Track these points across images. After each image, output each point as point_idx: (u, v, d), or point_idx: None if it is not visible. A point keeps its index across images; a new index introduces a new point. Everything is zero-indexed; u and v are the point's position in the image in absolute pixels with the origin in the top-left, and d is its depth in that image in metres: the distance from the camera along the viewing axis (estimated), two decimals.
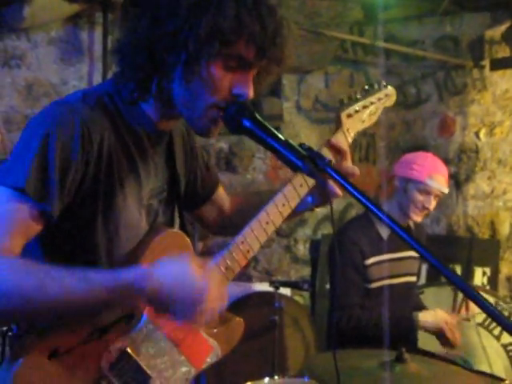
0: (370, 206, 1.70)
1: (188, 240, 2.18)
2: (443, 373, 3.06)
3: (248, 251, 2.13)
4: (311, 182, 2.20)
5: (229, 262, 2.09)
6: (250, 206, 2.34)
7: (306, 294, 5.73)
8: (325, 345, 4.51)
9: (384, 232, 3.98)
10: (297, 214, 2.33)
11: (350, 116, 2.37)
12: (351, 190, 1.74)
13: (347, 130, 2.34)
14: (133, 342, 1.99)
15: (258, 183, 5.95)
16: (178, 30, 1.83)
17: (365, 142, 6.46)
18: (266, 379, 3.63)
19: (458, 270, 5.71)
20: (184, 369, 2.13)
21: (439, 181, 3.94)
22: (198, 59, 1.84)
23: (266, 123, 1.93)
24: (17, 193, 1.78)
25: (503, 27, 5.98)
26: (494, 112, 6.24)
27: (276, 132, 1.91)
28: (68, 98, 1.98)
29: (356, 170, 2.21)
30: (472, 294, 1.55)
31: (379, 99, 2.51)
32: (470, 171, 6.27)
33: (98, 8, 5.07)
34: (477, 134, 6.27)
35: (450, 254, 5.62)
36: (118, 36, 1.96)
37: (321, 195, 2.27)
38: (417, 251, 1.64)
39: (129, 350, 1.98)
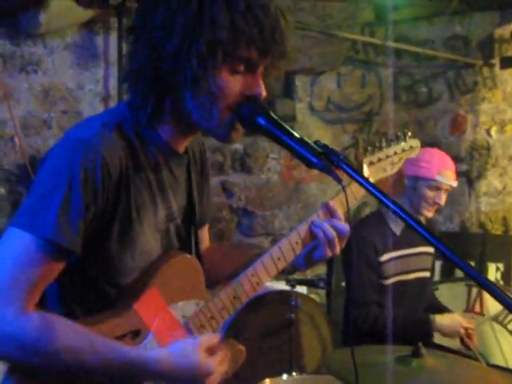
0: (384, 200, 1.73)
1: (199, 266, 2.20)
2: (460, 367, 3.07)
3: (257, 283, 2.19)
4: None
5: (237, 292, 2.15)
6: (226, 259, 2.42)
7: (322, 292, 5.73)
8: (341, 342, 4.52)
9: (397, 229, 4.02)
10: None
11: (372, 164, 2.43)
12: (367, 185, 1.76)
13: (368, 176, 2.38)
14: None
15: (273, 183, 5.96)
16: (177, 51, 1.84)
17: (377, 142, 6.47)
18: (285, 376, 3.69)
19: (472, 265, 5.70)
20: None
21: (448, 176, 3.97)
22: (203, 74, 1.85)
23: (281, 121, 1.94)
24: (44, 243, 1.79)
25: None
26: (504, 109, 6.26)
27: (290, 129, 1.93)
28: (86, 130, 1.94)
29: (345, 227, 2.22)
30: (489, 286, 1.56)
31: (403, 150, 2.56)
32: (482, 168, 6.28)
33: (112, 13, 5.10)
34: (488, 132, 6.29)
35: (464, 250, 5.60)
36: (126, 62, 1.98)
37: (307, 261, 2.28)
38: (432, 244, 1.69)
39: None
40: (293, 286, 4.39)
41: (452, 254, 1.62)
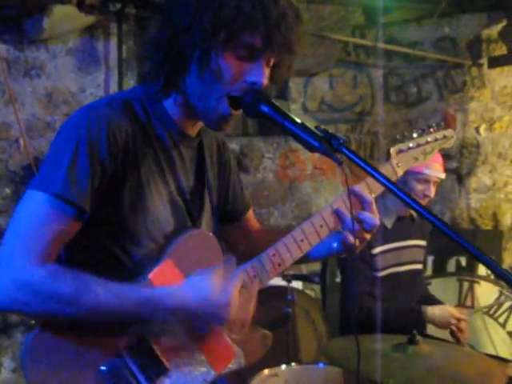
0: (387, 184, 1.76)
1: (216, 241, 2.20)
2: (454, 354, 3.15)
3: (279, 264, 2.17)
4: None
5: (258, 271, 2.15)
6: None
7: (317, 288, 5.80)
8: (336, 335, 4.59)
9: (388, 222, 4.06)
10: (320, 259, 2.38)
11: (400, 151, 2.41)
12: (368, 169, 1.79)
13: (397, 164, 2.39)
14: (152, 329, 2.01)
15: (268, 182, 6.04)
16: (188, 27, 1.90)
17: (369, 141, 6.55)
18: (283, 366, 3.69)
19: (463, 261, 5.78)
20: (203, 369, 2.10)
21: (436, 168, 4.00)
22: (207, 52, 1.90)
23: (283, 107, 1.96)
24: (55, 199, 1.86)
25: (499, 26, 6.07)
26: (493, 108, 6.34)
27: (292, 115, 1.94)
28: (95, 103, 2.06)
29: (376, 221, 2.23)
30: (487, 261, 1.61)
31: (436, 139, 2.52)
32: (472, 165, 6.35)
33: (112, 19, 5.21)
34: (477, 130, 6.37)
35: (455, 245, 5.58)
36: (143, 42, 2.09)
37: (344, 246, 2.27)
38: (430, 221, 1.67)
39: (147, 336, 2.00)
40: (289, 281, 4.45)
41: (448, 228, 1.65)
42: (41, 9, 4.73)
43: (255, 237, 2.58)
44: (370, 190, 2.29)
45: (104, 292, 1.87)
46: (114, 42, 5.25)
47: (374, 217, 2.24)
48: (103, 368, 1.95)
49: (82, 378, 1.93)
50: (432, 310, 3.96)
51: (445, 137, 2.57)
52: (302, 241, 2.21)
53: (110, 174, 1.94)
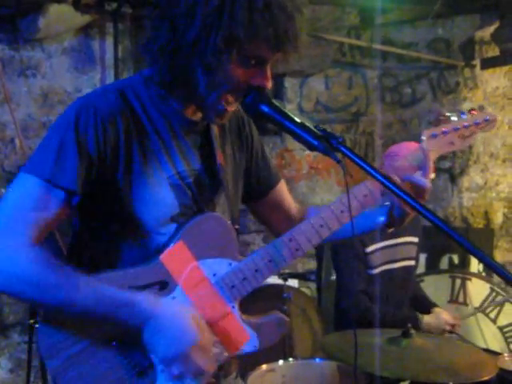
0: (384, 181, 1.80)
1: (231, 227, 2.17)
2: (446, 347, 3.23)
3: (297, 249, 2.16)
4: (375, 195, 2.21)
5: (273, 256, 2.13)
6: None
7: (313, 286, 5.83)
8: (331, 332, 4.64)
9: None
10: (365, 232, 2.39)
11: (434, 137, 2.32)
12: (366, 167, 1.82)
13: (431, 149, 2.30)
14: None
15: None
16: (196, 40, 1.90)
17: (364, 141, 6.58)
18: (281, 361, 3.71)
19: (456, 258, 5.83)
20: (216, 350, 2.08)
21: None
22: (216, 65, 1.92)
23: (282, 107, 1.99)
24: (44, 182, 1.91)
25: (492, 28, 6.11)
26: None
27: (292, 115, 1.97)
28: (90, 93, 2.09)
29: (427, 184, 2.20)
30: (483, 256, 1.65)
31: (476, 123, 2.38)
32: (464, 165, 6.40)
33: (108, 18, 5.21)
34: None
35: (448, 243, 5.69)
36: (144, 41, 2.05)
37: (392, 217, 2.29)
38: (426, 217, 1.71)
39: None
40: (285, 280, 4.48)
41: (443, 224, 1.70)
42: (36, 8, 4.75)
43: (290, 213, 2.54)
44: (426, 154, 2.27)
45: (84, 287, 1.91)
46: (110, 41, 5.26)
47: (425, 180, 2.22)
48: (113, 343, 2.00)
49: (93, 351, 1.99)
50: (428, 320, 4.02)
51: (486, 120, 2.41)
52: (321, 226, 2.19)
53: (98, 162, 1.98)
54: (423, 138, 2.31)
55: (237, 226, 2.24)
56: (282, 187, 2.54)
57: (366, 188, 2.23)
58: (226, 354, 2.13)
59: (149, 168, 2.06)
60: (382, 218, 2.33)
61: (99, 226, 2.09)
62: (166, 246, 2.07)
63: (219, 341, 2.11)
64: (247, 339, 2.17)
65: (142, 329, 1.95)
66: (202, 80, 1.99)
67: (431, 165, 2.26)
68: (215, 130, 2.26)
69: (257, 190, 2.47)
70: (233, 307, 2.14)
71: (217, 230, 2.14)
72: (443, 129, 2.34)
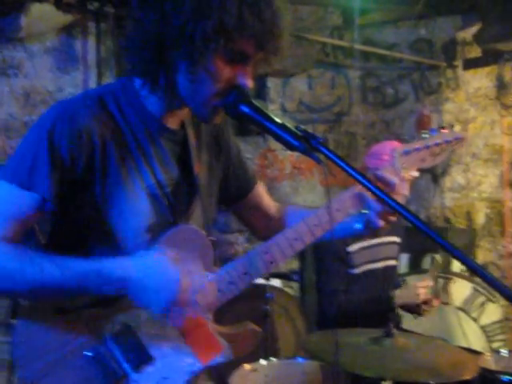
0: (363, 181, 1.81)
1: (206, 239, 2.17)
2: (428, 346, 3.20)
3: (271, 262, 2.15)
4: (350, 209, 2.24)
5: (248, 269, 2.12)
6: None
7: (296, 286, 5.84)
8: (314, 331, 4.65)
9: None
10: (341, 238, 2.38)
11: (407, 153, 2.35)
12: (346, 167, 1.82)
13: (402, 165, 2.33)
14: (137, 318, 2.04)
15: None
16: (183, 26, 1.88)
17: (346, 141, 6.60)
18: (263, 361, 3.67)
19: (438, 258, 5.85)
20: (189, 360, 2.10)
21: None
22: (203, 53, 1.90)
23: (263, 108, 1.98)
24: (17, 187, 1.94)
25: (474, 29, 6.13)
26: (467, 109, 6.43)
27: (272, 116, 1.96)
28: (67, 100, 2.10)
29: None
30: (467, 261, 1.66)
31: (446, 141, 2.42)
32: (446, 165, 6.41)
33: (90, 18, 5.21)
34: None
35: (430, 243, 5.63)
36: (128, 32, 2.03)
37: (367, 228, 2.29)
38: (406, 218, 1.71)
39: (132, 324, 2.03)
40: (267, 280, 4.46)
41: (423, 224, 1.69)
42: (18, 7, 4.74)
43: (269, 213, 2.57)
44: (397, 172, 2.31)
45: (49, 264, 1.91)
46: (92, 41, 5.26)
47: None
48: (88, 354, 1.98)
49: (67, 361, 1.97)
50: (398, 292, 4.01)
51: (456, 138, 2.47)
52: (295, 239, 2.19)
53: (72, 171, 1.98)
54: (396, 154, 2.34)
55: (212, 238, 2.23)
56: (260, 188, 2.56)
57: (341, 202, 2.25)
58: (198, 365, 2.13)
59: (126, 177, 2.05)
60: (358, 226, 2.33)
61: (74, 233, 2.08)
62: None
63: (192, 351, 2.11)
64: (220, 350, 2.18)
65: (125, 293, 1.95)
66: (186, 77, 1.98)
67: (401, 182, 2.28)
68: (192, 139, 2.26)
69: (236, 194, 2.49)
70: (207, 318, 2.16)
71: (193, 242, 2.14)
72: (416, 146, 2.38)
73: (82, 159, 1.98)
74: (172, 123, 2.17)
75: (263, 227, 2.54)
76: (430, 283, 4.10)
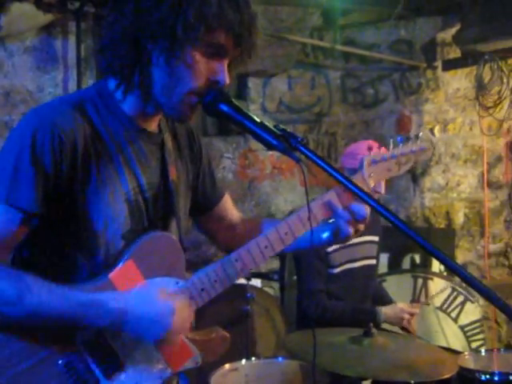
0: (343, 180, 1.82)
1: (179, 246, 2.19)
2: (408, 346, 3.27)
3: (242, 269, 2.15)
4: (320, 217, 2.24)
5: (219, 276, 2.12)
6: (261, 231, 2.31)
7: (276, 286, 5.82)
8: (294, 331, 4.65)
9: None
10: (313, 247, 2.33)
11: (374, 163, 2.37)
12: (325, 166, 1.82)
13: (369, 174, 2.36)
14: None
15: (228, 181, 6.04)
16: (163, 18, 1.89)
17: (327, 142, 6.60)
18: (244, 361, 3.70)
19: (417, 258, 5.89)
20: (160, 366, 2.11)
21: None
22: (183, 44, 1.90)
23: (242, 107, 1.99)
24: (1, 205, 1.89)
25: (453, 30, 6.15)
26: (446, 110, 6.45)
27: (252, 115, 1.97)
28: (44, 106, 2.05)
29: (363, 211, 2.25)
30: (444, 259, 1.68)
31: (412, 151, 2.49)
32: (426, 165, 6.43)
33: (71, 17, 5.15)
34: (431, 131, 6.47)
35: (410, 243, 5.65)
36: (104, 30, 2.02)
37: (336, 236, 2.30)
38: (385, 217, 1.72)
39: (104, 332, 2.01)
40: (248, 280, 4.46)
41: (405, 226, 1.71)
42: None
43: (234, 225, 2.56)
44: (365, 180, 2.33)
45: (47, 294, 1.88)
46: (72, 40, 5.20)
47: (363, 207, 2.25)
48: (60, 362, 1.97)
49: (38, 370, 1.94)
50: (385, 310, 4.06)
51: (421, 149, 2.54)
52: (266, 247, 2.19)
53: (56, 179, 1.94)
54: (364, 163, 2.35)
55: (185, 245, 2.24)
56: (227, 201, 2.56)
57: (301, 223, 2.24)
58: (169, 371, 2.14)
59: (106, 184, 2.03)
60: (325, 235, 2.33)
61: (50, 242, 2.05)
62: (115, 263, 2.05)
63: (163, 357, 2.12)
64: (191, 356, 2.20)
65: (120, 325, 1.96)
66: (163, 71, 1.97)
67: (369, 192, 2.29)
68: (169, 144, 2.25)
69: (203, 204, 2.47)
70: None
71: (166, 249, 2.15)
72: (383, 155, 2.41)
73: (64, 167, 1.95)
74: (148, 126, 2.16)
75: (227, 239, 2.53)
76: (417, 311, 4.15)
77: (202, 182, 2.44)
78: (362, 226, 2.30)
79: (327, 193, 2.27)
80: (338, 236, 2.30)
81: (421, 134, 2.59)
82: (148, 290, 2.02)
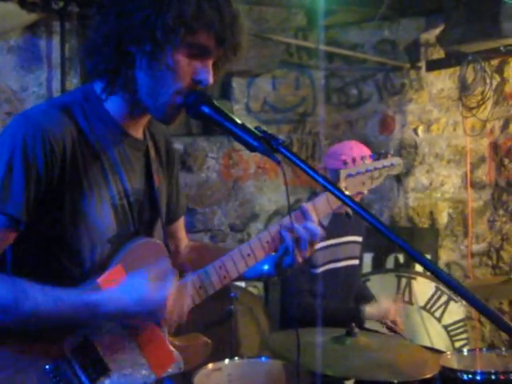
0: (323, 182, 1.84)
1: (166, 252, 2.23)
2: (390, 345, 3.29)
3: (225, 277, 2.22)
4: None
5: (204, 282, 2.19)
6: (205, 258, 2.33)
7: (260, 286, 5.85)
8: (278, 330, 4.66)
9: (325, 220, 4.09)
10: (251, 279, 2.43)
11: (350, 176, 2.50)
12: (305, 168, 1.84)
13: (345, 187, 2.44)
14: (97, 331, 2.06)
15: (212, 181, 6.05)
16: (145, 20, 1.91)
17: (310, 141, 6.60)
18: (227, 360, 3.71)
19: (401, 258, 5.89)
20: (144, 372, 2.15)
21: None
22: (164, 47, 1.92)
23: (223, 108, 2.02)
24: None
25: (437, 31, 6.16)
26: (430, 110, 6.45)
27: (233, 116, 2.00)
28: (31, 111, 2.06)
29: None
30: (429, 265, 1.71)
31: (384, 166, 2.67)
32: (410, 165, 6.44)
33: (55, 17, 5.14)
34: (415, 131, 6.47)
35: (393, 243, 5.67)
36: (88, 33, 2.05)
37: (277, 268, 2.33)
38: (365, 218, 1.76)
39: (91, 337, 2.04)
40: None
41: (386, 229, 1.76)
42: None
43: (179, 247, 2.59)
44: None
45: (42, 298, 1.89)
46: (56, 40, 5.19)
47: (318, 229, 2.29)
48: (47, 367, 1.98)
49: (24, 376, 1.95)
50: (370, 310, 4.08)
51: (392, 164, 2.70)
52: (248, 255, 2.25)
53: (46, 185, 1.95)
54: (340, 177, 2.46)
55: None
56: (182, 221, 2.59)
57: (270, 236, 2.29)
58: (153, 376, 2.17)
59: (93, 187, 2.04)
60: (266, 267, 2.36)
61: (38, 247, 2.06)
62: (103, 268, 2.07)
63: (147, 363, 2.15)
64: (174, 362, 2.25)
65: (119, 314, 2.00)
66: (146, 74, 1.98)
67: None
68: (153, 152, 2.27)
69: (166, 218, 2.45)
70: (163, 331, 2.20)
71: (153, 255, 2.16)
72: (358, 169, 2.54)
73: (55, 171, 1.96)
74: (134, 132, 2.17)
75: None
76: (400, 317, 4.17)
77: (170, 193, 2.46)
78: (310, 253, 2.32)
79: (285, 218, 2.31)
80: (280, 269, 2.32)
81: (391, 151, 2.75)
82: (138, 275, 2.03)
